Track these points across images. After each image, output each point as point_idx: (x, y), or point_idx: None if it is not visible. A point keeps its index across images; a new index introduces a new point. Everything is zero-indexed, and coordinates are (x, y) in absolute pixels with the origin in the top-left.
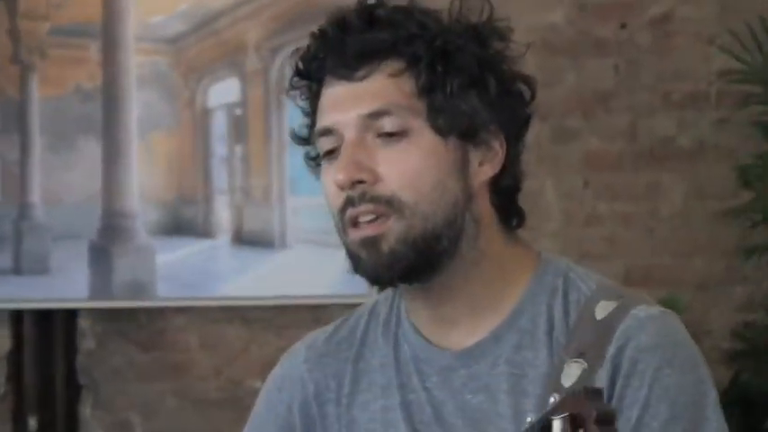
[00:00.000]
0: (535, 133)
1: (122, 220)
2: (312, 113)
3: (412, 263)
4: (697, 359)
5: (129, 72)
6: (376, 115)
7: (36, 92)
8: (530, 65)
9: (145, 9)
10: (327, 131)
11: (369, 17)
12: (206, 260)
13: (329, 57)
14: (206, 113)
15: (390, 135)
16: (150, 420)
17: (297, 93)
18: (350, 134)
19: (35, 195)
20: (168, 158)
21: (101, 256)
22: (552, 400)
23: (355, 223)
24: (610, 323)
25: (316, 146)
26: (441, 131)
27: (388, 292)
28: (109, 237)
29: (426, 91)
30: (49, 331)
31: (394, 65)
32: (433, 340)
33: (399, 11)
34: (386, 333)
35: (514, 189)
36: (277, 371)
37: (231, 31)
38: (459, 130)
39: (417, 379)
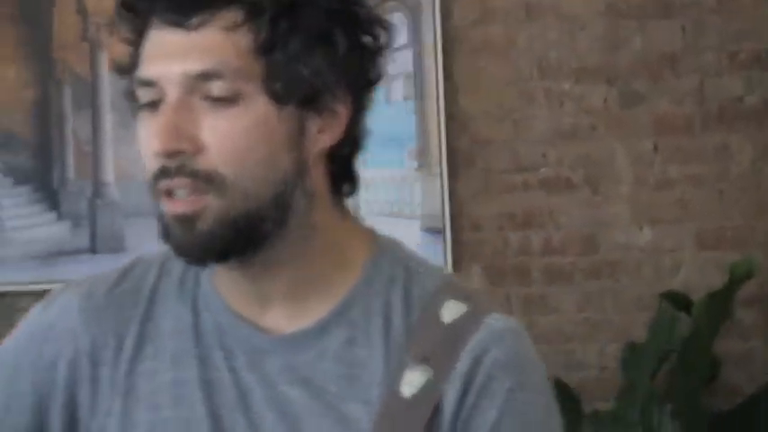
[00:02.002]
0: (603, 98)
1: None
2: (135, 49)
3: (230, 244)
4: (546, 380)
5: None
6: (204, 76)
7: (105, 69)
8: (597, 29)
9: None
10: (149, 83)
11: None
12: None
13: None
14: None
15: (218, 100)
16: None
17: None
18: (173, 93)
19: (108, 173)
20: None
21: None
22: None
23: (170, 194)
24: (460, 330)
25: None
26: (277, 99)
27: None
28: None
29: (265, 50)
30: None
31: (232, 15)
32: (242, 314)
33: None
34: (181, 295)
35: (354, 154)
36: (43, 316)
37: None
38: (298, 97)
39: (221, 355)
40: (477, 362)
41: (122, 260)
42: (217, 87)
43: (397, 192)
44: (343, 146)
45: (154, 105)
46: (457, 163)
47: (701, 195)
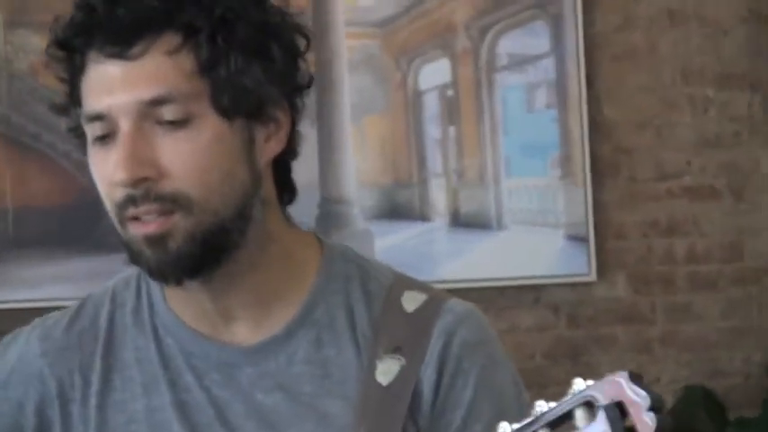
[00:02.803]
0: (747, 104)
1: (340, 206)
2: (72, 87)
3: (201, 259)
4: (507, 357)
5: (340, 57)
6: (155, 102)
7: None
8: (740, 34)
9: None
10: (98, 116)
11: None
12: (424, 243)
13: (96, 30)
14: (418, 96)
15: (172, 123)
16: None
17: (56, 62)
18: (126, 123)
19: None
20: (382, 142)
21: None
22: (576, 388)
23: (136, 218)
24: (424, 316)
25: (82, 124)
26: (226, 113)
27: (127, 275)
28: (327, 223)
29: (208, 69)
30: None
31: (171, 40)
32: (205, 333)
33: None
34: (138, 324)
35: (291, 161)
36: (1, 363)
37: (440, 12)
38: (245, 109)
39: (192, 376)
40: (446, 345)
41: None
42: (168, 111)
43: (541, 200)
44: (286, 153)
45: (105, 138)
46: (600, 171)
47: None
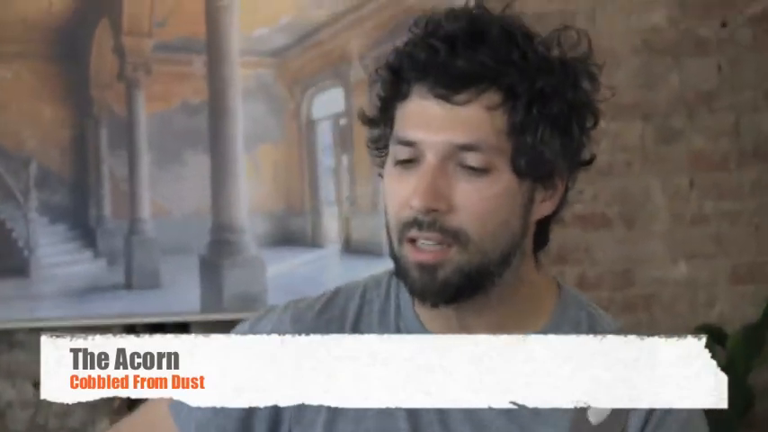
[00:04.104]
0: (639, 134)
1: (231, 233)
2: (386, 105)
3: (461, 291)
4: (705, 422)
5: (234, 85)
6: (465, 147)
7: (142, 108)
8: (632, 66)
9: (248, 23)
10: (410, 143)
11: (478, 37)
12: (316, 270)
13: (432, 70)
14: (312, 124)
15: (473, 169)
16: None
17: (381, 81)
18: (434, 157)
19: (144, 210)
20: (275, 170)
21: (211, 269)
22: None
23: (413, 241)
24: None
25: (389, 143)
26: (520, 174)
27: (378, 275)
28: (219, 250)
29: (517, 131)
30: None
31: (492, 96)
32: None
33: (505, 33)
34: (383, 323)
35: (553, 222)
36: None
37: (334, 42)
38: (537, 174)
39: None
40: None
41: (159, 295)
42: (473, 158)
43: None
44: (556, 213)
45: (409, 162)
46: None
47: (737, 231)
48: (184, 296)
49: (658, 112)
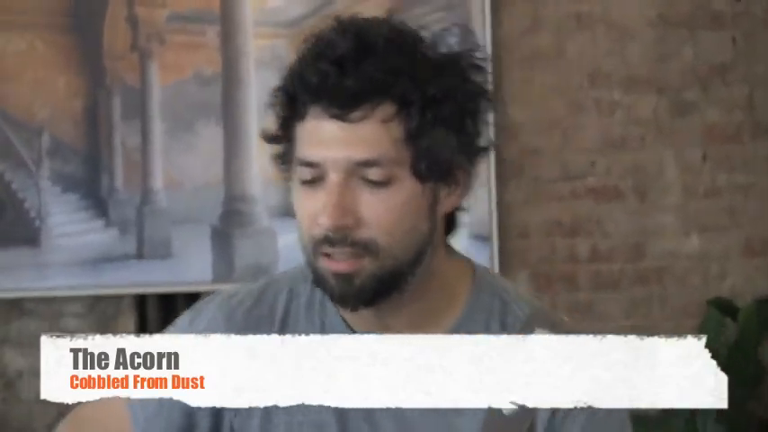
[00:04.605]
0: (653, 107)
1: (243, 204)
2: (286, 123)
3: (378, 294)
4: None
5: (248, 56)
6: (365, 164)
7: (155, 78)
8: (647, 39)
9: None
10: (311, 164)
11: (365, 51)
12: None
13: (324, 94)
14: None
15: (375, 182)
16: None
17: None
18: (337, 176)
19: (157, 181)
20: None
21: (223, 239)
22: None
23: (328, 255)
24: None
25: (292, 162)
26: (422, 178)
27: (303, 267)
28: (230, 221)
29: (414, 138)
30: (173, 315)
31: (386, 109)
32: None
33: (391, 43)
34: (309, 317)
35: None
36: (192, 329)
37: (350, 12)
38: (438, 176)
39: None
40: None
41: (170, 265)
42: (374, 173)
43: None
44: (461, 203)
45: (313, 182)
46: (505, 171)
47: (750, 203)
48: (196, 266)
49: (672, 86)
